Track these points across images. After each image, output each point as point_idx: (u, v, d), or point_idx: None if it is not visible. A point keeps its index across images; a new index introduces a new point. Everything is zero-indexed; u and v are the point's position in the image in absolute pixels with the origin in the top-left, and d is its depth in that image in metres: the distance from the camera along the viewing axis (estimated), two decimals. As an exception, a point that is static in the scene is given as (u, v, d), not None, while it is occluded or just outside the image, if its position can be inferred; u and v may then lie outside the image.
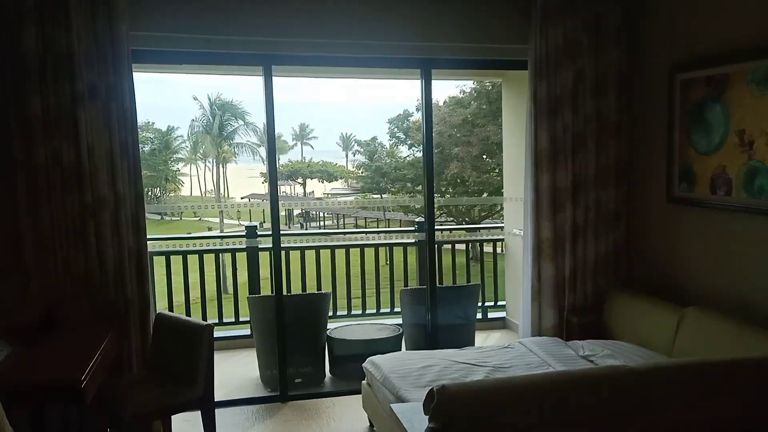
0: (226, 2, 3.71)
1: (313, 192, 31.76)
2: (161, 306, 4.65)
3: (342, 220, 22.41)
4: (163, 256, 5.42)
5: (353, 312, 5.89)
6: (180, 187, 31.66)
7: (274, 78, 4.02)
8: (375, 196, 21.42)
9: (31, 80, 3.25)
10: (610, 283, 4.12)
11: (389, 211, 19.56)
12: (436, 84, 4.27)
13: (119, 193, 3.46)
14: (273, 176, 4.32)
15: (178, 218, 25.13)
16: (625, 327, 3.76)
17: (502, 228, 6.14)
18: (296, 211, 24.37)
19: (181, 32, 3.68)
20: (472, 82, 15.15)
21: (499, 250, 6.34)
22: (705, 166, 3.47)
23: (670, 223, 3.80)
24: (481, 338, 5.41)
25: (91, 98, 3.35)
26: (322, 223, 23.80)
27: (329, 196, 29.82)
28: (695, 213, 3.59)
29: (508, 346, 3.81)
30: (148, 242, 3.64)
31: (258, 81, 4.11)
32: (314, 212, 24.65)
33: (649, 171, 3.96)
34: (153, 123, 29.26)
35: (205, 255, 5.60)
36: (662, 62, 3.77)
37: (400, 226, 17.52)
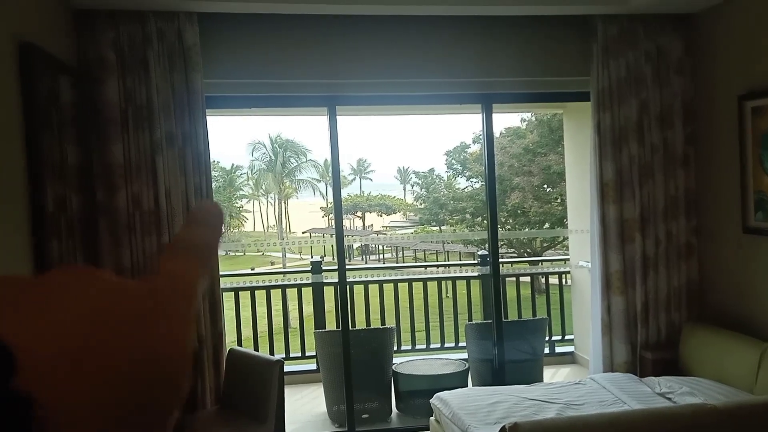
0: (294, 48, 3.84)
1: (372, 225, 31.97)
2: (228, 340, 4.75)
3: (401, 252, 22.45)
4: (232, 292, 5.56)
5: (417, 346, 5.89)
6: (243, 223, 32.47)
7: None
8: (433, 228, 21.34)
9: (113, 130, 3.45)
10: (684, 317, 3.99)
11: (448, 243, 19.46)
12: (495, 115, 4.30)
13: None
14: (338, 214, 4.29)
15: (242, 253, 25.73)
16: (702, 363, 3.63)
17: (566, 260, 6.04)
18: (355, 245, 24.59)
19: (250, 78, 3.83)
20: (531, 114, 15.03)
21: (564, 281, 6.22)
22: (782, 194, 3.35)
23: (746, 254, 3.67)
24: (549, 374, 5.29)
25: (168, 145, 3.53)
26: (381, 256, 23.90)
27: (388, 229, 29.96)
28: (773, 243, 3.46)
29: (579, 383, 3.73)
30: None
31: (317, 119, 4.26)
32: (373, 245, 24.84)
33: (720, 201, 3.85)
34: (218, 162, 30.26)
35: (271, 290, 5.70)
36: (730, 90, 3.69)
37: (460, 258, 17.41)
